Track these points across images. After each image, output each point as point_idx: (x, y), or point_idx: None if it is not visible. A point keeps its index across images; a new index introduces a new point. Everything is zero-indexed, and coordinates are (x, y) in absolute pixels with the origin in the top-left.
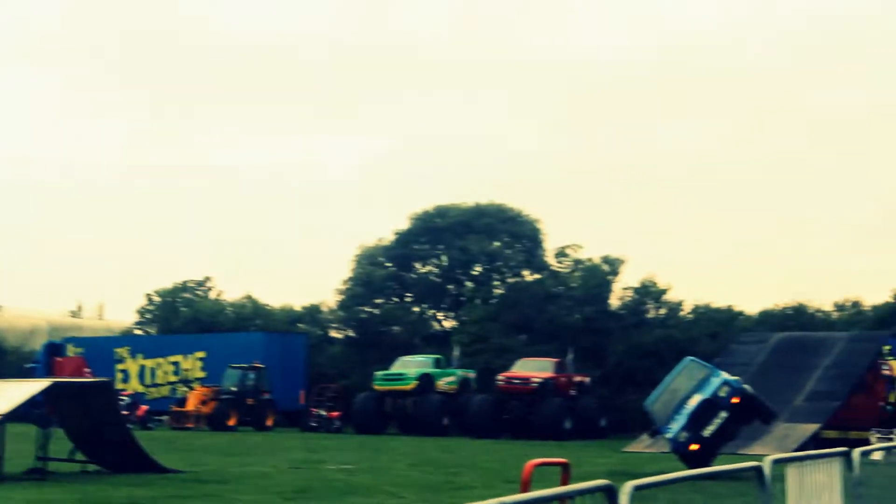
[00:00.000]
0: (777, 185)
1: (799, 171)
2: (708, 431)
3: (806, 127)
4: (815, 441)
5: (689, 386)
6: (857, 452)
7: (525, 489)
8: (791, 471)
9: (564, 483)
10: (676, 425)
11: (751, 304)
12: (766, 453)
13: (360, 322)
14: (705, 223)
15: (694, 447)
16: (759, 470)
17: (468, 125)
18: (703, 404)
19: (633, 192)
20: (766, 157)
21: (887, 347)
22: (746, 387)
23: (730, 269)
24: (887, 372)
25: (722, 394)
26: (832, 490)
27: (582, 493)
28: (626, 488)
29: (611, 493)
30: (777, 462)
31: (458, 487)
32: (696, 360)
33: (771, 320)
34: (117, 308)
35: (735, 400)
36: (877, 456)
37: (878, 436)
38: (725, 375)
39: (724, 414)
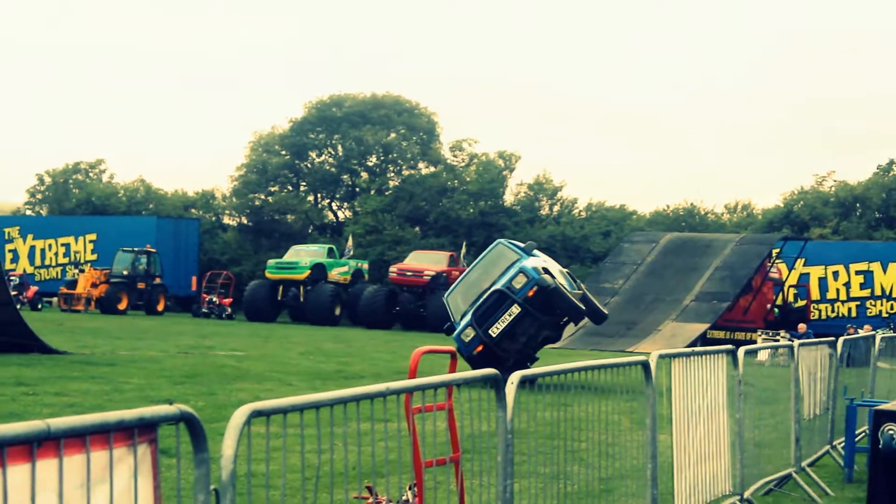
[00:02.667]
0: (671, 85)
1: (694, 73)
2: (496, 330)
3: (699, 30)
4: (702, 341)
5: (494, 274)
6: (741, 351)
7: (413, 376)
8: (677, 367)
9: (452, 371)
10: (465, 321)
11: (643, 205)
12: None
13: (253, 209)
14: (601, 124)
15: (479, 349)
16: (645, 365)
17: (367, 15)
18: (494, 297)
19: (528, 92)
20: (662, 59)
21: (776, 251)
22: (547, 277)
23: (623, 169)
24: (775, 275)
25: (516, 285)
26: (717, 387)
27: (469, 381)
28: (513, 377)
29: (497, 383)
30: (663, 357)
31: (349, 376)
32: (507, 242)
33: (663, 221)
34: (6, 188)
35: (531, 293)
36: (762, 356)
37: (765, 337)
38: (528, 262)
39: (515, 310)
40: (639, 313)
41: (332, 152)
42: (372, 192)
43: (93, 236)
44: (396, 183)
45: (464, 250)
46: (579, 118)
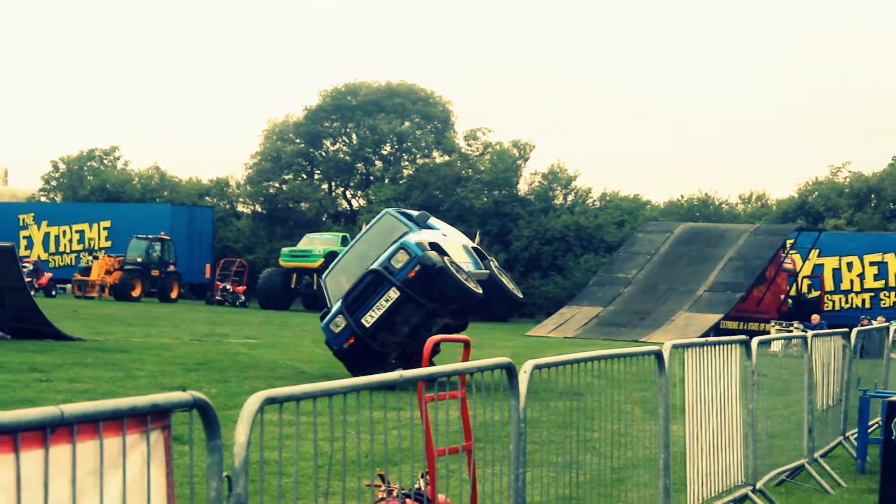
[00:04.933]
0: (685, 76)
1: (709, 64)
2: (370, 319)
3: (713, 21)
4: (716, 331)
5: (380, 250)
6: (755, 341)
7: (425, 364)
8: (690, 357)
9: (465, 360)
10: (335, 308)
11: (658, 195)
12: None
13: (267, 197)
14: (616, 114)
15: (351, 341)
16: (658, 355)
17: (382, 4)
18: (368, 279)
19: (542, 83)
20: (676, 49)
21: (790, 242)
22: (433, 254)
23: (637, 159)
24: (789, 266)
25: (396, 264)
26: (730, 377)
27: (482, 369)
28: (526, 366)
29: (510, 371)
30: (676, 347)
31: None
32: (396, 212)
33: (677, 211)
34: (21, 174)
35: (412, 274)
36: (775, 347)
37: (778, 328)
38: (413, 237)
39: (393, 294)
40: (652, 303)
41: (347, 140)
42: (386, 180)
43: (107, 223)
44: (410, 172)
45: (477, 239)
46: (594, 108)
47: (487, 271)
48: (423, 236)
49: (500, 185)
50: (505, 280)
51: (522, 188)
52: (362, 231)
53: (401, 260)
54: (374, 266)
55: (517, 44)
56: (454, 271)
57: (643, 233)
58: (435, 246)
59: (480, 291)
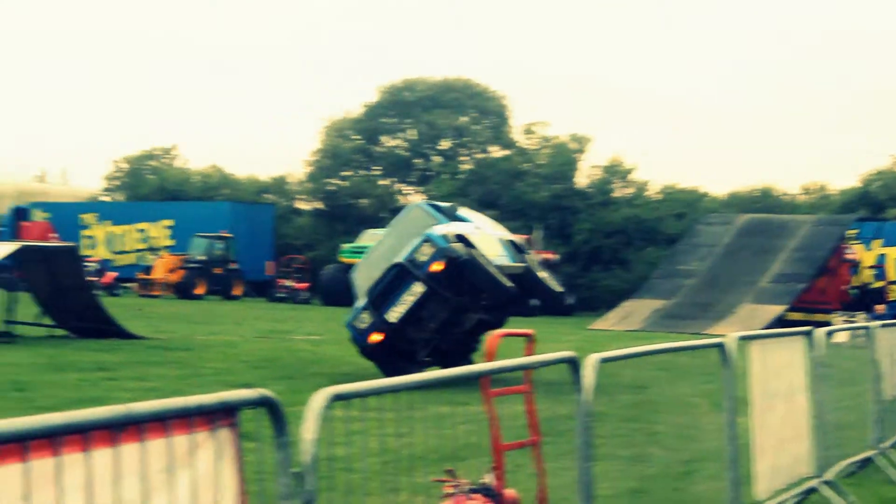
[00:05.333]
0: (747, 68)
1: (769, 55)
2: (395, 315)
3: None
4: (780, 323)
5: (407, 244)
6: (820, 332)
7: (490, 360)
8: (755, 348)
9: (529, 355)
10: (361, 303)
11: (718, 186)
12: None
13: (327, 194)
14: (674, 104)
15: (376, 338)
16: (722, 347)
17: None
18: (393, 273)
19: (598, 79)
20: (737, 42)
21: (852, 232)
22: (458, 246)
23: (696, 152)
24: (851, 256)
25: (420, 257)
26: (795, 369)
27: (546, 364)
28: (591, 360)
29: (575, 365)
30: (741, 339)
31: None
32: (426, 204)
33: (737, 202)
34: (82, 174)
35: (436, 267)
36: (841, 338)
37: (843, 319)
38: (439, 229)
39: (418, 288)
40: (715, 295)
41: (405, 136)
42: (444, 175)
43: (169, 222)
44: (469, 166)
45: (537, 234)
46: (650, 103)
47: (523, 265)
48: (450, 228)
49: (559, 179)
50: (543, 274)
51: (581, 181)
52: (391, 224)
53: (426, 253)
54: (399, 259)
55: (572, 39)
56: (482, 263)
57: (704, 225)
58: (462, 238)
59: (511, 285)
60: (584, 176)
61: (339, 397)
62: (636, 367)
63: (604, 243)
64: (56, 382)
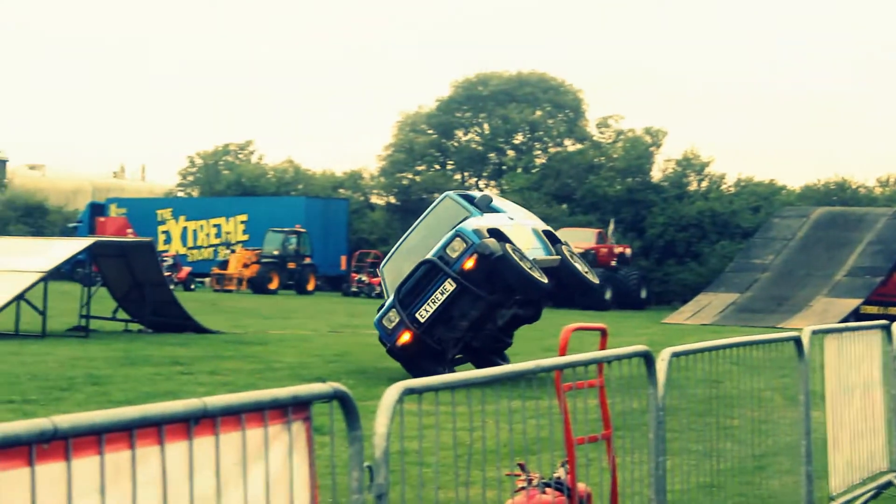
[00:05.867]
0: (819, 62)
1: (842, 48)
2: (424, 314)
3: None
4: (855, 316)
5: (439, 237)
6: None
7: (563, 353)
8: (830, 342)
9: (602, 349)
10: (388, 302)
11: (793, 179)
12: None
13: (401, 189)
14: (749, 97)
15: (405, 338)
16: (797, 340)
17: None
18: (422, 270)
19: (673, 71)
20: (813, 31)
21: None
22: (490, 242)
23: (771, 145)
24: None
25: (451, 253)
26: (871, 362)
27: (619, 357)
28: (664, 354)
29: (648, 359)
30: (816, 333)
31: None
32: (456, 195)
33: (813, 195)
34: (159, 170)
35: (468, 264)
36: None
37: None
38: (471, 223)
39: (449, 286)
40: (790, 289)
41: (479, 130)
42: (518, 169)
43: (243, 217)
44: (543, 160)
45: (611, 227)
46: (724, 95)
47: (558, 257)
48: (483, 222)
49: (634, 173)
50: (578, 265)
51: (656, 175)
52: (422, 216)
53: (457, 249)
54: (429, 256)
55: (646, 32)
56: (517, 260)
57: (779, 218)
58: (495, 232)
59: (546, 281)
60: (659, 169)
61: (411, 391)
62: (709, 361)
63: (678, 237)
64: (131, 376)
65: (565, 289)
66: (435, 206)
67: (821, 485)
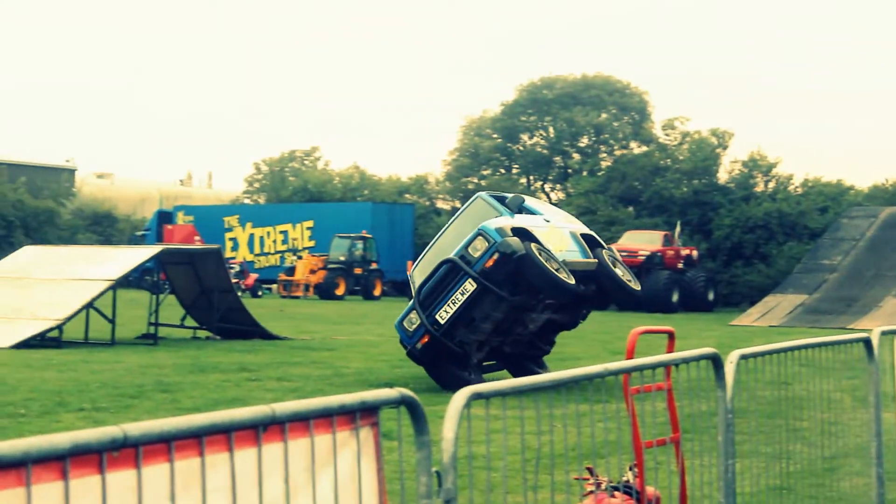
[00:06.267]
0: (889, 59)
1: None
2: (444, 315)
3: None
4: None
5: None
6: None
7: (630, 357)
8: None
9: (670, 351)
10: (411, 303)
11: (861, 179)
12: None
13: (466, 193)
14: (814, 101)
15: (424, 341)
16: (867, 341)
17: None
18: (443, 270)
19: (738, 72)
20: (874, 33)
21: None
22: (513, 241)
23: (839, 145)
24: None
25: (473, 252)
26: None
27: (687, 360)
28: (733, 356)
29: (716, 362)
30: (886, 333)
31: (564, 358)
32: (488, 195)
33: (881, 195)
34: (225, 177)
35: (490, 263)
36: None
37: None
38: (495, 222)
39: (470, 286)
40: (859, 290)
41: (544, 134)
42: (584, 173)
43: (310, 223)
44: (609, 163)
45: (678, 229)
46: (790, 96)
47: (595, 261)
48: (509, 221)
49: (700, 174)
50: (619, 271)
51: (722, 177)
52: (453, 217)
53: (479, 248)
54: (451, 255)
55: (711, 34)
56: (541, 259)
57: (847, 218)
58: (520, 231)
59: (572, 282)
60: (725, 171)
61: (478, 396)
62: (778, 363)
63: (745, 238)
64: (200, 383)
65: (605, 294)
66: (466, 207)
67: (892, 486)
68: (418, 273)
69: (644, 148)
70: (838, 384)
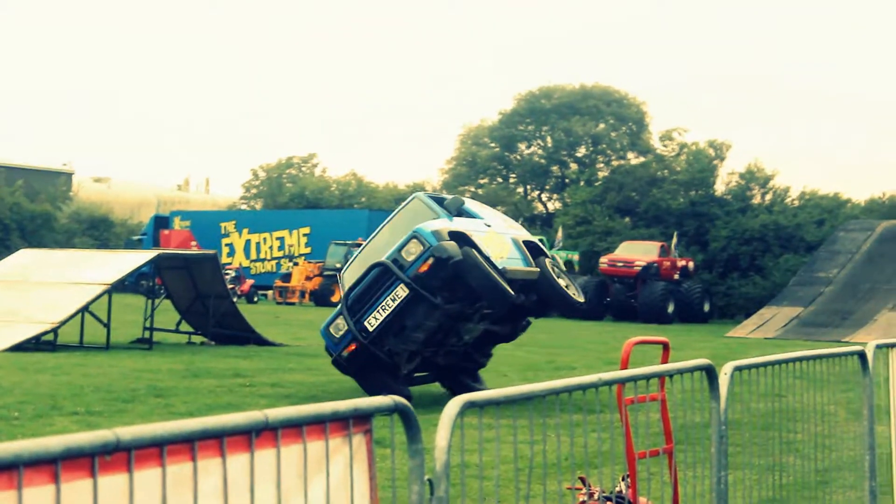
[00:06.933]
0: (886, 71)
1: None
2: (373, 322)
3: None
4: None
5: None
6: None
7: (624, 367)
8: (895, 356)
9: (664, 363)
10: (338, 308)
11: (858, 192)
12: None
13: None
14: (812, 113)
15: (351, 348)
16: (861, 355)
17: (575, 7)
18: (374, 274)
19: (736, 83)
20: (874, 44)
21: None
22: (449, 245)
23: (837, 158)
24: None
25: (407, 256)
26: None
27: (681, 371)
28: (727, 368)
29: (710, 373)
30: (880, 347)
31: (559, 367)
32: (426, 196)
33: (878, 208)
34: (223, 183)
35: (424, 268)
36: None
37: None
38: (431, 224)
39: (402, 292)
40: (854, 303)
41: (542, 144)
42: (581, 182)
43: (306, 230)
44: (606, 173)
45: (675, 240)
46: (789, 107)
47: (537, 269)
48: (447, 224)
49: (697, 186)
50: (562, 281)
51: (719, 188)
52: (387, 218)
53: (412, 251)
54: (383, 258)
55: (708, 42)
56: (479, 265)
57: (844, 231)
58: (458, 235)
59: (512, 292)
60: (722, 182)
61: (472, 404)
62: (772, 375)
63: (741, 250)
64: (194, 388)
65: (546, 305)
66: (402, 208)
67: (885, 500)
68: (348, 275)
69: (641, 158)
70: (832, 397)
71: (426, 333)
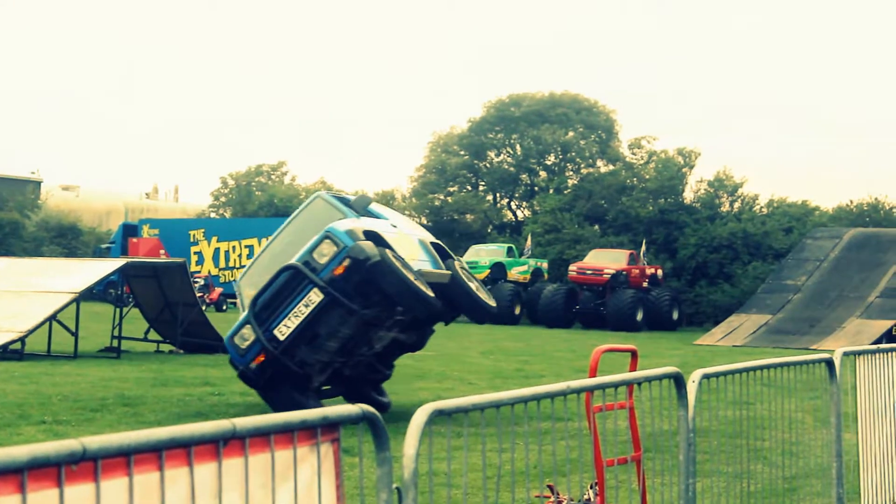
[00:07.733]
0: (855, 80)
1: (875, 67)
2: (284, 330)
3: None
4: (888, 338)
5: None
6: None
7: (593, 375)
8: (862, 364)
9: (633, 370)
10: (244, 315)
11: (826, 200)
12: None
13: (433, 209)
14: (783, 119)
15: (260, 359)
16: (829, 362)
17: (544, 14)
18: (283, 278)
19: (703, 89)
20: (839, 53)
21: None
22: (367, 245)
23: (804, 165)
24: None
25: (319, 258)
26: None
27: (650, 379)
28: (695, 376)
29: (678, 381)
30: (847, 354)
31: (529, 375)
32: (329, 196)
33: (846, 216)
34: (192, 191)
35: (339, 270)
36: None
37: None
38: (343, 224)
39: (315, 297)
40: (822, 310)
41: (511, 151)
42: (550, 190)
43: None
44: (575, 181)
45: (643, 248)
46: (758, 115)
47: (448, 272)
48: (359, 223)
49: (666, 194)
50: (473, 284)
51: (688, 196)
52: (287, 220)
53: (326, 253)
54: (293, 261)
55: (676, 50)
56: (399, 267)
57: (812, 239)
58: (372, 235)
59: (433, 295)
60: (691, 190)
61: (440, 412)
62: (740, 382)
63: (709, 258)
64: (162, 397)
65: (457, 310)
66: (303, 209)
67: None
68: (247, 284)
69: (610, 166)
70: (800, 404)
71: (340, 342)
